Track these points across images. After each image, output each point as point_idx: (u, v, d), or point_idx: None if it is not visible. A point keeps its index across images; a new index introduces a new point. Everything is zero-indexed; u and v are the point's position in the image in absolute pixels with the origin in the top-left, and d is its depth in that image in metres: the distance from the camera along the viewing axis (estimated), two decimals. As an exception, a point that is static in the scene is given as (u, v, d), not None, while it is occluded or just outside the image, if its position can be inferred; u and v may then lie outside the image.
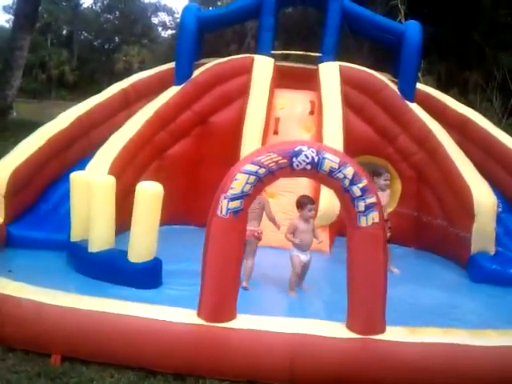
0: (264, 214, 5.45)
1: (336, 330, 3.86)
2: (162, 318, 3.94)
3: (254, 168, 3.77)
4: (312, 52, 8.68)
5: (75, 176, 5.62)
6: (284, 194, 7.11)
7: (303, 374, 3.75)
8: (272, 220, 5.48)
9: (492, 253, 6.25)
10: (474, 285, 5.99)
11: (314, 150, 3.77)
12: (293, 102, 7.85)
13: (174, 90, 7.53)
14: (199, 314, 3.91)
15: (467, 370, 3.79)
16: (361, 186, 3.77)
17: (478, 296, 5.63)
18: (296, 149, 3.77)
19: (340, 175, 3.76)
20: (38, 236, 5.98)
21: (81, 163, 6.65)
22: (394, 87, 7.74)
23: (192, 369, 3.85)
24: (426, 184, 7.37)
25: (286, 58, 12.07)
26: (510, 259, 6.25)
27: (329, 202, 6.39)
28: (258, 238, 5.33)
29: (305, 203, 5.23)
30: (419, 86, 8.54)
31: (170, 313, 4.01)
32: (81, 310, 4.01)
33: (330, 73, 7.75)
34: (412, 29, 7.85)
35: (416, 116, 7.48)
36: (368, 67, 8.08)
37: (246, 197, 3.80)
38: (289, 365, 3.74)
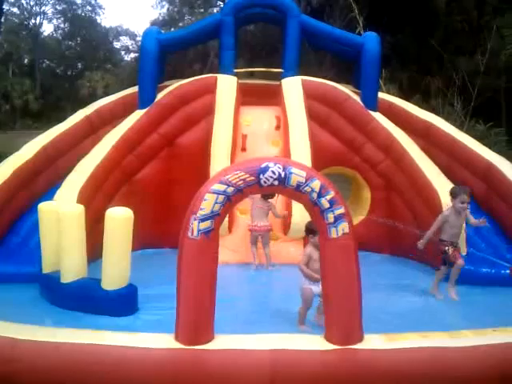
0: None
1: (314, 342, 3.85)
2: (139, 345, 3.87)
3: (222, 187, 3.77)
4: (275, 68, 8.79)
5: (43, 206, 5.55)
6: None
7: (285, 389, 3.73)
8: (280, 217, 6.84)
9: (464, 253, 6.35)
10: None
11: (281, 166, 3.79)
12: (259, 119, 7.94)
13: (138, 114, 7.54)
14: (177, 338, 3.86)
15: (448, 371, 3.81)
16: (329, 197, 3.80)
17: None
18: (263, 165, 3.79)
19: (307, 189, 3.79)
20: (9, 270, 5.88)
21: (49, 193, 6.59)
22: (357, 98, 7.88)
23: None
24: (395, 191, 7.49)
25: (251, 75, 12.19)
26: (482, 259, 6.35)
27: (301, 214, 6.43)
28: (271, 230, 6.75)
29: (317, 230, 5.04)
30: (382, 95, 8.72)
31: (147, 339, 3.94)
32: (57, 343, 3.91)
33: (292, 87, 7.86)
34: (370, 40, 8.02)
35: (380, 125, 7.62)
36: (331, 80, 8.23)
37: (217, 216, 3.79)
38: (269, 381, 3.72)
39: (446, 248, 5.65)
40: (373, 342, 3.86)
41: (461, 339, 3.94)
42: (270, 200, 6.71)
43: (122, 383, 3.80)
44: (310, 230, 4.94)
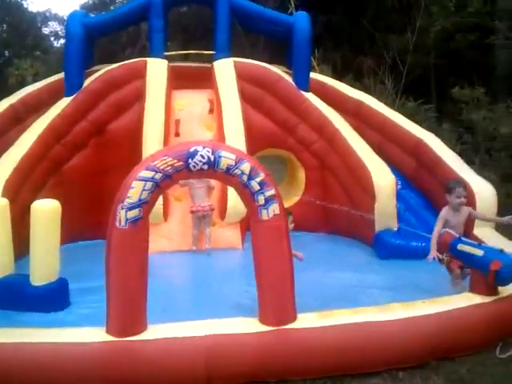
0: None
1: (248, 325, 3.88)
2: (70, 340, 3.78)
3: (149, 174, 3.69)
4: (209, 50, 8.66)
5: (-34, 201, 5.27)
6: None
7: (220, 374, 3.72)
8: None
9: (395, 229, 6.53)
10: (381, 261, 6.25)
11: (210, 150, 3.75)
12: (192, 103, 7.82)
13: (65, 101, 7.26)
14: (108, 331, 3.79)
15: (379, 345, 3.92)
16: (259, 180, 3.80)
17: (386, 272, 5.86)
18: (191, 150, 3.74)
19: (238, 171, 3.78)
20: None
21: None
22: (289, 79, 7.89)
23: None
24: (329, 170, 7.59)
25: (185, 58, 11.99)
26: (413, 233, 6.55)
27: (237, 198, 6.41)
28: (212, 209, 6.75)
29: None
30: (314, 75, 8.76)
31: (78, 333, 3.85)
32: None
33: (225, 70, 7.78)
34: (300, 20, 8.02)
35: (312, 105, 7.67)
36: (265, 62, 8.18)
37: (145, 204, 3.72)
38: (205, 367, 3.70)
39: (441, 256, 4.83)
40: (306, 320, 3.93)
41: (390, 312, 4.05)
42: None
43: (55, 380, 3.70)
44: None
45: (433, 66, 15.33)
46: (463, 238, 4.64)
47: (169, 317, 4.08)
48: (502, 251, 4.28)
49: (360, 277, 5.57)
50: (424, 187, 7.29)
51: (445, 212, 4.98)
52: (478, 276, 4.38)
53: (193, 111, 7.75)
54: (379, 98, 9.27)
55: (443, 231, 4.84)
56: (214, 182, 6.83)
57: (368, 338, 3.92)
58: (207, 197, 6.81)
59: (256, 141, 7.32)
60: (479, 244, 4.49)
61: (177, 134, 7.42)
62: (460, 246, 4.53)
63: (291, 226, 4.77)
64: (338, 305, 4.36)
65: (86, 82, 7.48)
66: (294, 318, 3.89)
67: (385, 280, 5.58)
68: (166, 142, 6.99)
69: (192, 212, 6.70)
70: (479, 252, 4.35)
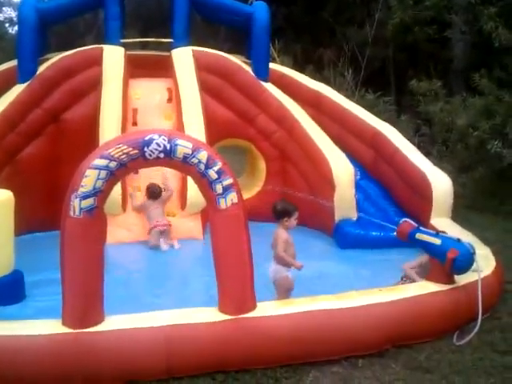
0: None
1: (208, 314, 3.85)
2: (24, 332, 3.68)
3: (104, 162, 3.60)
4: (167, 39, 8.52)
5: None
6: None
7: (180, 364, 3.69)
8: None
9: (354, 218, 6.60)
10: (341, 251, 6.32)
11: (166, 138, 3.69)
12: (149, 91, 7.68)
13: (19, 89, 7.02)
14: (64, 323, 3.70)
15: (337, 332, 3.95)
16: (216, 168, 3.76)
17: (345, 261, 5.93)
18: (146, 138, 3.67)
19: (194, 160, 3.73)
20: None
21: None
22: (249, 69, 7.84)
23: (65, 380, 3.63)
24: (289, 161, 7.60)
25: (144, 46, 11.78)
26: (372, 223, 6.62)
27: (196, 189, 6.33)
28: (170, 226, 6.59)
29: (293, 210, 4.63)
30: (274, 65, 8.76)
31: (33, 326, 3.75)
32: None
33: (183, 58, 7.68)
34: (259, 10, 7.97)
35: (272, 95, 7.66)
36: (225, 52, 8.11)
37: (100, 193, 3.63)
38: (165, 358, 3.67)
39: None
40: (265, 309, 3.93)
41: (348, 300, 4.09)
42: (159, 198, 6.72)
43: (10, 373, 3.59)
44: (285, 212, 4.57)
45: (391, 58, 15.56)
46: (422, 228, 4.66)
47: (127, 308, 4.00)
48: (459, 240, 4.37)
49: (319, 266, 5.61)
50: (382, 177, 7.39)
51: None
52: (435, 265, 4.45)
53: (151, 100, 7.60)
54: (339, 90, 9.36)
55: (402, 220, 4.79)
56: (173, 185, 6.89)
57: (326, 325, 3.95)
58: (163, 215, 6.68)
59: (216, 131, 7.26)
60: (437, 233, 4.54)
61: (134, 124, 7.26)
62: (418, 235, 4.55)
63: (295, 222, 4.63)
64: (297, 294, 4.40)
65: (40, 69, 7.25)
66: (253, 307, 3.88)
67: (343, 269, 5.65)
68: (123, 131, 6.82)
69: (150, 230, 6.49)
70: (437, 241, 4.40)
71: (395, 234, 4.82)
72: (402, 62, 15.47)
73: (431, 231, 4.62)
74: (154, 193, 6.67)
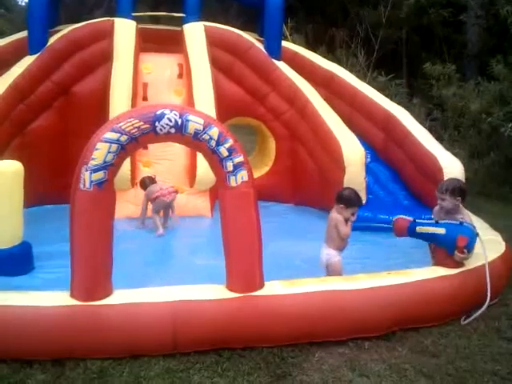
0: None
1: (215, 291, 3.84)
2: (32, 303, 3.68)
3: (115, 136, 3.57)
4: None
5: None
6: (159, 162, 6.97)
7: (186, 340, 3.69)
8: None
9: (363, 201, 6.54)
10: (349, 233, 6.27)
11: (177, 113, 3.64)
12: (160, 66, 7.60)
13: (28, 60, 6.96)
14: (72, 295, 3.70)
15: (344, 313, 3.95)
16: (227, 146, 3.72)
17: (353, 243, 5.88)
18: (158, 112, 3.63)
19: (205, 136, 3.69)
20: None
21: None
22: (261, 46, 7.74)
23: (71, 352, 3.65)
24: (299, 141, 7.53)
25: (155, 21, 11.65)
26: (381, 205, 6.60)
27: (206, 166, 6.32)
28: (176, 192, 6.30)
29: (355, 203, 4.49)
30: (287, 44, 8.65)
31: (41, 297, 3.76)
32: None
33: (195, 33, 7.58)
34: (272, -14, 7.82)
35: (283, 74, 7.56)
36: (237, 28, 7.99)
37: (110, 166, 3.60)
38: (171, 333, 3.67)
39: None
40: (273, 288, 3.92)
41: (355, 282, 4.08)
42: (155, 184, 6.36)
43: (18, 343, 3.60)
44: (347, 200, 4.45)
45: (405, 41, 15.34)
46: (418, 220, 4.51)
47: (135, 283, 4.01)
48: (461, 224, 4.30)
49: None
50: (392, 161, 7.33)
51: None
52: (442, 249, 4.42)
53: (161, 75, 7.53)
54: (351, 71, 9.23)
55: (396, 217, 4.65)
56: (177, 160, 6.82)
57: (333, 306, 3.94)
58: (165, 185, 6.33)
59: (226, 108, 7.20)
60: (437, 222, 4.42)
61: (144, 98, 7.21)
62: (419, 229, 4.43)
63: (348, 214, 4.47)
64: (304, 274, 4.37)
65: (51, 41, 7.18)
66: (261, 286, 3.87)
67: (350, 251, 5.61)
68: (133, 105, 6.78)
69: (155, 199, 6.16)
70: (441, 230, 4.31)
71: (394, 233, 4.70)
72: (415, 45, 15.27)
73: (430, 221, 4.47)
74: (144, 183, 6.36)
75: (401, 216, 4.64)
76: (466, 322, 4.17)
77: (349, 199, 4.48)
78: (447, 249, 4.33)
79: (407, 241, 5.40)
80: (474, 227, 4.34)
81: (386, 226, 4.96)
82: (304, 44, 12.81)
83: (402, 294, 4.11)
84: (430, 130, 8.45)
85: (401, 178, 7.16)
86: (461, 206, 4.55)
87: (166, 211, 6.36)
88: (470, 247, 4.26)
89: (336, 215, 4.50)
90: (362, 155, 6.61)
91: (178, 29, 7.99)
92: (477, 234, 4.29)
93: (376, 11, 14.96)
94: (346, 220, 4.49)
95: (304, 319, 3.84)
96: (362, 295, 4.00)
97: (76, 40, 7.18)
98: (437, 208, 4.70)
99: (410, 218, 4.52)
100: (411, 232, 4.49)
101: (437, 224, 4.38)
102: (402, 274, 4.31)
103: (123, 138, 3.58)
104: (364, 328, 3.95)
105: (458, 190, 4.51)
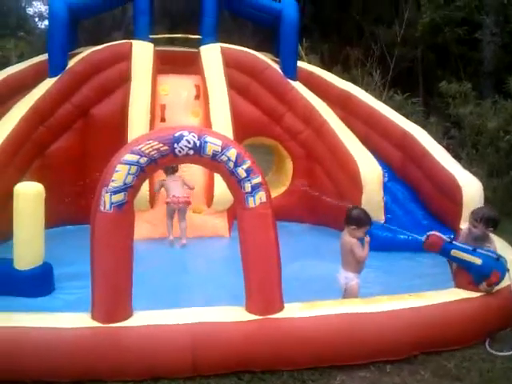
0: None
1: (235, 313, 3.83)
2: (53, 325, 3.70)
3: (134, 158, 3.61)
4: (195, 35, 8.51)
5: None
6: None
7: (206, 363, 3.68)
8: (192, 188, 6.66)
9: (382, 221, 6.50)
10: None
11: (196, 135, 3.68)
12: (177, 88, 7.69)
13: (49, 83, 7.08)
14: (93, 316, 3.72)
15: (364, 336, 3.90)
16: (245, 167, 3.74)
17: (372, 264, 5.82)
18: (177, 134, 3.66)
19: (224, 158, 3.71)
20: None
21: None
22: (277, 67, 7.80)
23: (92, 374, 3.65)
24: (315, 161, 7.53)
25: (172, 42, 11.79)
26: (400, 225, 6.52)
27: (224, 186, 6.32)
28: (188, 203, 6.50)
29: (366, 223, 4.44)
30: (303, 64, 8.69)
31: (62, 319, 3.78)
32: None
33: (211, 55, 7.66)
34: (288, 7, 7.92)
35: (299, 94, 7.60)
36: (253, 48, 8.07)
37: (130, 188, 3.64)
38: (191, 356, 3.66)
39: None
40: (292, 310, 3.89)
41: (376, 304, 4.03)
42: (177, 174, 6.59)
43: (38, 365, 3.61)
44: (357, 221, 4.38)
45: (420, 59, 15.34)
46: (455, 242, 4.40)
47: (154, 304, 4.01)
48: (498, 259, 4.24)
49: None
50: (410, 180, 7.27)
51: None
52: (465, 273, 4.36)
53: (178, 97, 7.62)
54: (366, 90, 9.24)
55: (430, 233, 4.48)
56: (195, 180, 6.80)
57: (354, 329, 3.90)
58: (182, 188, 6.55)
59: (243, 129, 7.25)
60: (474, 249, 4.30)
61: (162, 119, 7.30)
62: (454, 252, 4.32)
63: (361, 234, 4.42)
64: (323, 296, 4.33)
65: (70, 64, 7.30)
66: (280, 308, 3.85)
67: (369, 272, 5.56)
68: (151, 126, 6.87)
69: (167, 203, 6.51)
70: (477, 260, 4.22)
71: (423, 246, 4.60)
72: (430, 63, 15.25)
73: (467, 247, 4.34)
74: (167, 168, 6.39)
75: (435, 232, 4.48)
76: (497, 353, 4.05)
77: (359, 219, 4.41)
78: (476, 278, 4.26)
79: (428, 261, 5.38)
80: (506, 261, 4.29)
81: (417, 237, 4.79)
82: (319, 64, 12.87)
83: (423, 316, 4.06)
84: (448, 148, 8.38)
85: (419, 197, 7.10)
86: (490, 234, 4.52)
87: (180, 216, 6.51)
88: (498, 283, 4.23)
89: (349, 239, 4.43)
90: (379, 174, 6.59)
91: (195, 50, 8.07)
92: (507, 270, 4.25)
93: (391, 30, 15.01)
94: (359, 240, 4.42)
95: (324, 342, 3.80)
96: (383, 318, 3.96)
97: (95, 63, 7.29)
98: (465, 231, 4.68)
99: (446, 238, 4.40)
100: (444, 252, 4.37)
101: (474, 253, 4.26)
102: (424, 296, 4.26)
103: (143, 160, 3.61)
104: (385, 351, 3.90)
105: (491, 221, 4.50)
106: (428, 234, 4.47)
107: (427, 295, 4.27)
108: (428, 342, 4.01)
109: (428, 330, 4.01)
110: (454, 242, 4.37)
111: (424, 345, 4.01)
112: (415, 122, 8.22)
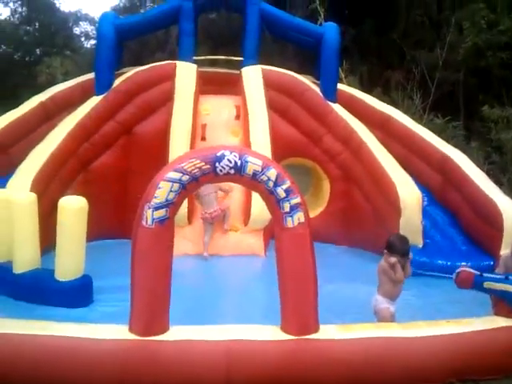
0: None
1: (270, 333, 3.84)
2: (92, 336, 3.78)
3: (177, 175, 3.69)
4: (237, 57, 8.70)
5: (-5, 195, 5.34)
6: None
7: (240, 380, 3.69)
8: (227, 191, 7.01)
9: (420, 245, 6.42)
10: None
11: (237, 154, 3.74)
12: (218, 108, 7.85)
13: (95, 101, 7.34)
14: (131, 329, 3.78)
15: (400, 361, 3.86)
16: (285, 187, 3.78)
17: (410, 289, 5.76)
18: (218, 154, 3.73)
19: (264, 178, 3.76)
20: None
21: (1, 181, 6.33)
22: (317, 89, 7.88)
23: (126, 386, 3.72)
24: (353, 183, 7.54)
25: (213, 64, 12.05)
26: (438, 250, 6.45)
27: (261, 205, 6.38)
28: (223, 210, 6.77)
29: (395, 250, 4.38)
30: (342, 86, 8.74)
31: (100, 330, 3.85)
32: (7, 334, 3.77)
33: (252, 76, 7.80)
34: (330, 30, 8.02)
35: (339, 116, 7.65)
36: (293, 70, 8.18)
37: (171, 205, 3.72)
38: (225, 372, 3.68)
39: None
40: (328, 332, 3.88)
41: (413, 330, 3.98)
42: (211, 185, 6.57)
43: (75, 374, 3.69)
44: (387, 246, 4.38)
45: (462, 83, 15.19)
46: (485, 274, 4.33)
47: (191, 319, 4.06)
48: None
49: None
50: (449, 203, 7.18)
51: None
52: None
53: (219, 116, 7.79)
54: (406, 113, 9.21)
55: (460, 270, 4.44)
56: (232, 184, 6.71)
57: (389, 354, 3.86)
58: (215, 201, 6.76)
59: (281, 149, 7.31)
60: (506, 277, 4.21)
61: (203, 139, 7.45)
62: (487, 284, 4.24)
63: (392, 260, 4.35)
64: (358, 319, 4.32)
65: (116, 83, 7.55)
66: (316, 329, 3.85)
67: (407, 297, 5.49)
68: (192, 145, 7.02)
69: (201, 218, 6.76)
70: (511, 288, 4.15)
71: (455, 283, 4.54)
72: (472, 87, 15.08)
73: (499, 276, 4.28)
74: None
75: (465, 268, 4.44)
76: None
77: (390, 245, 4.39)
78: None
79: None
80: None
81: (447, 276, 4.74)
82: (358, 85, 12.91)
83: (461, 343, 3.99)
84: (488, 173, 8.26)
85: (458, 222, 7.00)
86: None
87: (207, 231, 6.73)
88: None
89: (382, 262, 4.45)
90: (418, 198, 6.53)
91: (236, 72, 8.23)
92: None
93: (432, 53, 14.94)
94: (393, 265, 4.34)
95: (359, 365, 3.77)
96: (420, 343, 3.91)
97: (140, 82, 7.53)
98: (505, 257, 4.59)
99: (475, 272, 4.33)
100: (477, 286, 4.31)
101: (506, 281, 4.18)
102: (462, 323, 4.18)
103: (185, 178, 3.69)
104: (421, 377, 3.84)
105: None
106: (457, 270, 4.44)
107: (465, 322, 4.20)
108: (465, 370, 3.93)
109: (465, 357, 3.93)
110: (484, 274, 4.31)
111: (461, 372, 3.93)
112: (456, 146, 8.15)
